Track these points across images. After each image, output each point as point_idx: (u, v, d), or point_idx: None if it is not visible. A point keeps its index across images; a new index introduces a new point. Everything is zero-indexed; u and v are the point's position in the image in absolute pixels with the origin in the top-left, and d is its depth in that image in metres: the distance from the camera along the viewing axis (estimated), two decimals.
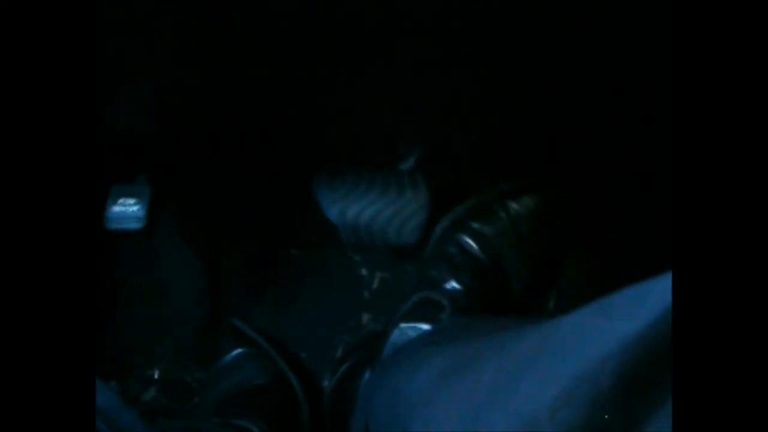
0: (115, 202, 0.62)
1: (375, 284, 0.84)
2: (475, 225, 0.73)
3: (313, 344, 0.82)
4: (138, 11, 0.43)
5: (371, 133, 0.79)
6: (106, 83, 0.55)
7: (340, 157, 0.81)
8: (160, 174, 0.68)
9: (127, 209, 0.62)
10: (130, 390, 0.81)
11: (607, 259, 0.80)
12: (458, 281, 0.70)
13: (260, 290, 0.84)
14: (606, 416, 0.31)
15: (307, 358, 0.81)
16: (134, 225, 0.62)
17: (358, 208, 0.79)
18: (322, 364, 0.81)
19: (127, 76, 0.55)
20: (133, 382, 0.81)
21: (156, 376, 0.81)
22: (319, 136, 0.77)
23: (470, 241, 0.72)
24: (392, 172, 0.79)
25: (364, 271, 0.85)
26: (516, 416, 0.35)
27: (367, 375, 0.69)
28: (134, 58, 0.51)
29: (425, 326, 0.68)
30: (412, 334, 0.68)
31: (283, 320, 0.83)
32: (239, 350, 0.76)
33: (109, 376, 0.81)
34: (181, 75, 0.55)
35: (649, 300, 0.31)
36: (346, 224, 0.80)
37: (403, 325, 0.69)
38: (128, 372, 0.81)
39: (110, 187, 0.64)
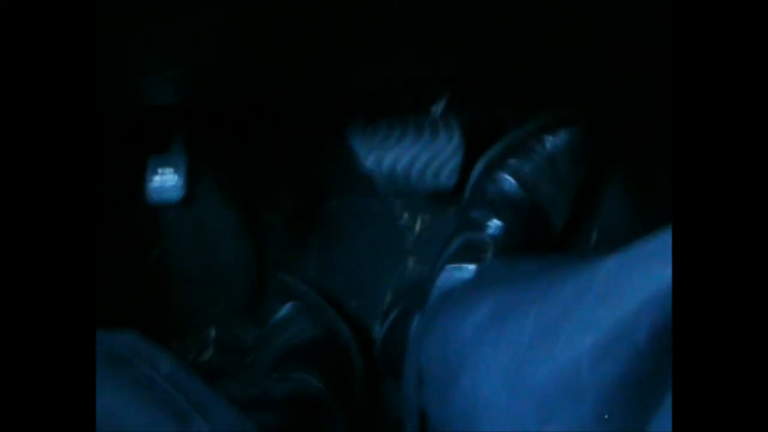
0: (153, 174, 0.63)
1: (417, 228, 0.85)
2: (512, 162, 0.72)
3: (360, 292, 0.83)
4: None
5: (401, 78, 0.78)
6: (135, 59, 0.55)
7: (371, 105, 0.81)
8: (196, 140, 0.68)
9: (166, 180, 0.63)
10: (190, 350, 0.84)
11: (648, 190, 0.79)
12: (499, 219, 0.71)
13: (304, 243, 0.85)
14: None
15: (356, 306, 0.83)
16: (174, 195, 0.63)
17: (393, 155, 0.79)
18: (372, 311, 0.82)
19: (155, 48, 0.55)
20: (191, 343, 0.84)
21: (213, 336, 0.84)
22: (349, 88, 0.76)
23: (509, 178, 0.72)
24: (425, 116, 0.79)
25: (405, 216, 0.85)
26: (558, 363, 0.36)
27: (416, 321, 0.70)
28: (161, 30, 0.51)
29: (470, 266, 0.68)
30: (458, 275, 0.68)
31: (330, 271, 0.84)
32: (289, 305, 0.78)
33: (169, 339, 0.84)
34: (209, 40, 0.55)
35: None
36: (383, 173, 0.80)
37: (448, 266, 0.69)
38: (186, 333, 0.84)
39: (148, 160, 0.64)
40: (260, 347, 0.78)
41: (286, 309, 0.78)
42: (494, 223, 0.71)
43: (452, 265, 0.69)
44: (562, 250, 0.76)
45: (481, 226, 0.71)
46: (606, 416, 0.33)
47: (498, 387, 0.42)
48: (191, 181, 0.64)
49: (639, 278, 0.33)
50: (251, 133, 0.83)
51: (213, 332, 0.84)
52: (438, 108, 0.80)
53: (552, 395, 0.37)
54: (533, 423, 0.38)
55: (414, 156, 0.77)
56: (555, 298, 0.40)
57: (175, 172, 0.63)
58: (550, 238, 0.73)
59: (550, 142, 0.72)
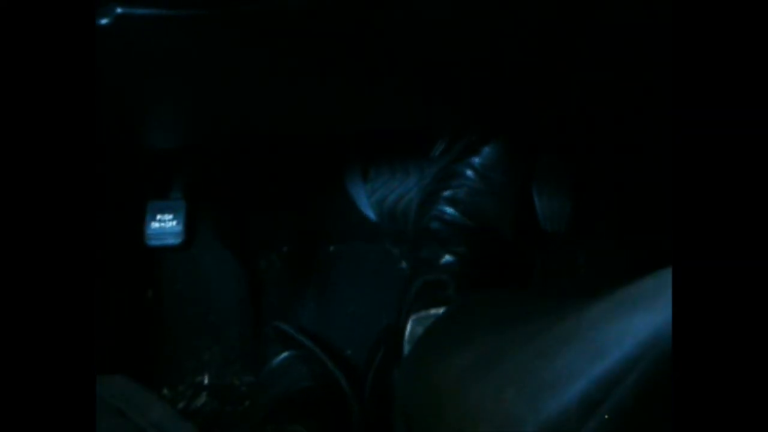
0: (152, 219, 0.62)
1: None
2: (446, 193, 0.72)
3: (357, 341, 0.82)
4: (161, 34, 0.43)
5: (400, 122, 0.78)
6: (135, 104, 0.55)
7: (371, 150, 0.81)
8: (194, 186, 0.68)
9: (165, 225, 0.62)
10: (182, 396, 0.82)
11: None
12: (451, 254, 0.70)
13: (301, 289, 0.84)
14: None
15: (352, 355, 0.82)
16: (173, 241, 0.62)
17: (395, 196, 0.79)
18: None
19: (155, 93, 0.55)
20: (184, 389, 0.82)
21: (206, 382, 0.82)
22: (347, 134, 0.77)
23: (448, 210, 0.71)
24: (425, 158, 0.79)
25: (403, 264, 0.84)
26: (546, 414, 0.35)
27: (396, 371, 0.69)
28: (160, 77, 0.51)
29: (435, 311, 0.67)
30: (426, 322, 0.67)
31: (326, 318, 0.83)
32: (286, 353, 0.77)
33: (160, 384, 0.82)
34: (209, 85, 0.55)
35: (667, 290, 0.31)
36: (384, 214, 0.80)
37: (414, 317, 0.68)
38: (179, 379, 0.83)
39: (146, 204, 0.64)
40: (255, 395, 0.77)
41: (282, 357, 0.76)
42: (447, 259, 0.70)
43: (417, 315, 0.68)
44: (520, 259, 0.75)
45: (435, 265, 0.70)
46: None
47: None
48: (190, 226, 0.63)
49: (623, 328, 0.32)
50: (249, 179, 0.83)
51: (206, 378, 0.83)
52: (438, 150, 0.80)
53: None
54: None
55: (413, 199, 0.78)
56: (537, 347, 0.39)
57: (175, 217, 0.62)
58: (506, 253, 0.73)
59: (477, 160, 0.72)
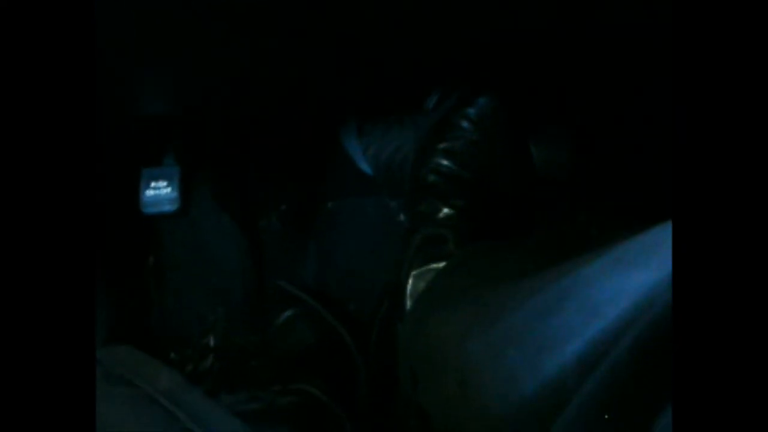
0: (147, 187, 0.62)
1: None
2: (442, 145, 0.70)
3: (359, 295, 0.82)
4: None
5: (395, 75, 0.77)
6: (126, 68, 0.54)
7: (366, 105, 0.80)
8: (188, 149, 0.67)
9: (160, 192, 0.62)
10: (189, 359, 0.83)
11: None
12: (450, 207, 0.68)
13: (302, 247, 0.84)
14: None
15: (355, 310, 0.82)
16: (169, 207, 0.62)
17: (391, 150, 0.78)
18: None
19: (146, 57, 0.54)
20: (191, 352, 0.83)
21: (212, 344, 0.83)
22: (342, 89, 0.75)
23: (445, 162, 0.70)
24: (420, 110, 0.78)
25: (402, 217, 0.84)
26: (545, 373, 0.35)
27: (400, 327, 0.69)
28: (152, 44, 0.50)
29: (435, 265, 0.66)
30: (428, 277, 0.67)
31: (328, 274, 0.84)
32: (289, 312, 0.77)
33: (167, 348, 0.83)
34: (200, 45, 0.54)
35: (664, 247, 0.30)
36: (381, 168, 0.80)
37: (415, 272, 0.68)
38: (185, 343, 0.83)
39: (141, 172, 0.63)
40: (261, 354, 0.78)
41: (286, 316, 0.77)
42: (445, 212, 0.69)
43: (417, 270, 0.68)
44: (516, 210, 0.75)
45: (434, 219, 0.69)
46: (606, 416, 0.32)
47: (489, 392, 0.42)
48: (185, 192, 0.63)
49: (619, 286, 0.32)
50: (245, 139, 0.82)
51: (212, 340, 0.83)
52: (432, 102, 0.79)
53: (541, 409, 0.36)
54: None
55: (409, 151, 0.77)
56: (538, 302, 0.39)
57: (169, 184, 0.62)
58: (504, 200, 0.72)
59: (472, 111, 0.70)
